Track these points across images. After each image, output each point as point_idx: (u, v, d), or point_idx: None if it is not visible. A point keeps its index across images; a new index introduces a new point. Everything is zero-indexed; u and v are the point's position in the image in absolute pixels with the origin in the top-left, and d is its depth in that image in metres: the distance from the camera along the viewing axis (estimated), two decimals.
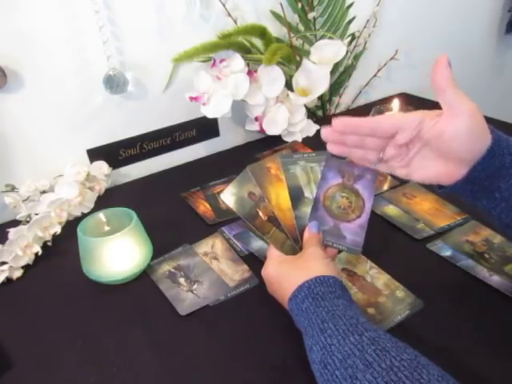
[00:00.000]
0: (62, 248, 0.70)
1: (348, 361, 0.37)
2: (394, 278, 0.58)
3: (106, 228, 0.64)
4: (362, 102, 1.20)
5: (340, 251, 0.56)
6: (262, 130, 0.94)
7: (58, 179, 0.78)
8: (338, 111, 1.16)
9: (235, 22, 0.88)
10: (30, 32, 0.71)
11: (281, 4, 0.90)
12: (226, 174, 0.84)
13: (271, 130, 0.93)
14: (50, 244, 0.70)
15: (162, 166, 0.94)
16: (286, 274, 0.50)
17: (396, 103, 0.89)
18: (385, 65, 1.14)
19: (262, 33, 0.88)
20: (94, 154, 0.85)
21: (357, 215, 0.55)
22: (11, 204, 0.73)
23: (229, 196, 0.58)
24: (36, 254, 0.68)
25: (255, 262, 0.63)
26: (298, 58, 0.94)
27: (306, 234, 0.54)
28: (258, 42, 0.91)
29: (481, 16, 1.37)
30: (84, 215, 0.76)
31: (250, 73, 0.86)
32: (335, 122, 0.48)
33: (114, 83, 0.79)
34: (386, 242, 0.66)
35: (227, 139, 1.01)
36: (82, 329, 0.56)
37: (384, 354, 0.37)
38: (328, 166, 0.57)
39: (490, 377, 0.46)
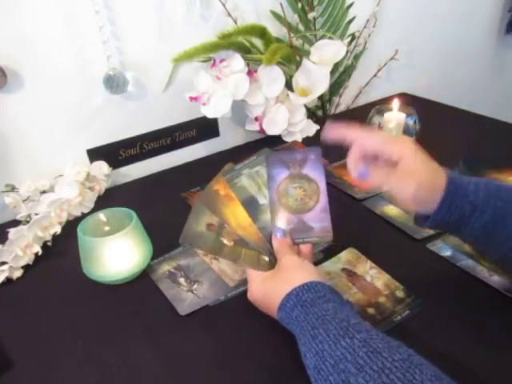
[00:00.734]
0: (62, 248, 0.70)
1: (340, 365, 0.37)
2: (394, 278, 0.58)
3: (106, 228, 0.64)
4: (362, 101, 1.20)
5: (314, 244, 0.55)
6: (261, 130, 0.94)
7: (58, 179, 0.78)
8: (337, 111, 1.16)
9: (235, 22, 0.88)
10: (30, 32, 0.71)
11: (281, 4, 0.90)
12: None
13: (271, 130, 0.93)
14: (49, 244, 0.70)
15: (162, 166, 0.94)
16: (269, 291, 0.49)
17: (396, 103, 0.89)
18: (385, 65, 1.14)
19: (262, 33, 0.88)
20: (94, 154, 0.85)
21: (315, 201, 0.54)
22: (11, 204, 0.73)
23: (187, 238, 0.55)
24: (36, 254, 0.68)
25: None
26: (298, 58, 0.94)
27: (275, 244, 0.53)
28: (258, 42, 0.91)
29: (481, 16, 1.37)
30: (84, 215, 0.76)
31: (250, 73, 0.86)
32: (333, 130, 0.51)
33: (114, 83, 0.79)
34: (386, 242, 0.66)
35: (227, 139, 1.01)
36: (82, 329, 0.56)
37: (375, 356, 0.37)
38: (270, 164, 0.55)
39: (491, 377, 0.46)
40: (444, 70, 1.37)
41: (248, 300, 0.52)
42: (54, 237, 0.70)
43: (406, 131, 0.89)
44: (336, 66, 1.03)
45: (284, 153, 0.55)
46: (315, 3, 0.96)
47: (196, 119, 0.94)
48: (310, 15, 0.95)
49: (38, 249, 0.67)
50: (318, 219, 0.54)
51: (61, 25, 0.73)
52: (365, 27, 1.08)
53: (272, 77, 0.87)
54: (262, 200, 0.56)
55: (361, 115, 0.96)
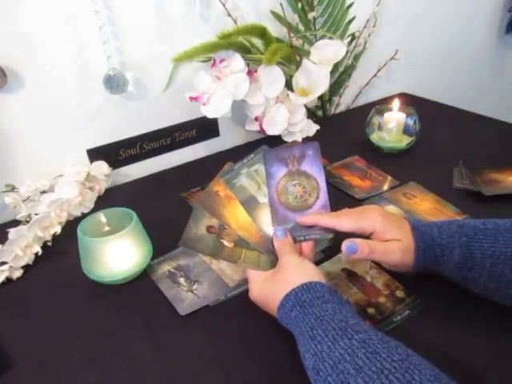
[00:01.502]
0: (62, 248, 0.70)
1: (339, 366, 0.37)
2: (394, 278, 0.58)
3: (106, 228, 0.64)
4: (362, 101, 1.20)
5: (316, 241, 0.55)
6: (262, 130, 0.94)
7: (58, 179, 0.78)
8: (337, 111, 1.16)
9: (235, 22, 0.88)
10: (30, 32, 0.71)
11: (281, 4, 0.90)
12: None
13: (271, 130, 0.93)
14: (50, 244, 0.70)
15: (162, 166, 0.94)
16: (269, 291, 0.50)
17: (396, 103, 0.89)
18: (385, 65, 1.14)
19: (262, 33, 0.88)
20: (94, 154, 0.85)
21: (315, 197, 0.54)
22: (11, 204, 0.73)
23: (188, 241, 0.55)
24: (36, 254, 0.68)
25: None
26: (298, 58, 0.94)
27: (275, 243, 0.54)
28: (258, 42, 0.91)
29: (481, 16, 1.37)
30: (84, 215, 0.76)
31: (250, 73, 0.86)
32: (306, 219, 0.54)
33: (114, 83, 0.79)
34: None
35: (227, 139, 1.01)
36: (82, 329, 0.56)
37: (374, 357, 0.37)
38: (268, 162, 0.55)
39: (491, 377, 0.46)
40: (444, 70, 1.37)
41: (248, 300, 0.53)
42: (54, 237, 0.70)
43: (406, 131, 0.89)
44: (336, 65, 1.03)
45: (281, 149, 0.54)
46: (315, 3, 0.96)
47: (196, 119, 0.94)
48: (310, 15, 0.95)
49: (38, 249, 0.67)
50: None
51: (61, 25, 0.73)
52: (365, 27, 1.08)
53: (272, 77, 0.87)
54: (262, 199, 0.56)
55: (361, 115, 0.96)
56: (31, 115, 0.77)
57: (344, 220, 0.52)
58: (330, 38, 0.93)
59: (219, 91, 0.84)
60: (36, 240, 0.68)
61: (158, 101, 0.89)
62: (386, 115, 0.89)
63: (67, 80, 0.78)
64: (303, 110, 0.95)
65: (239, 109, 0.92)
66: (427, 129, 0.91)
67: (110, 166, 0.85)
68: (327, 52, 0.90)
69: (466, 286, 0.52)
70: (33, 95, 0.75)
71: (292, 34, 0.93)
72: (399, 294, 0.56)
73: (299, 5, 0.94)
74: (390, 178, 0.82)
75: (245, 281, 0.60)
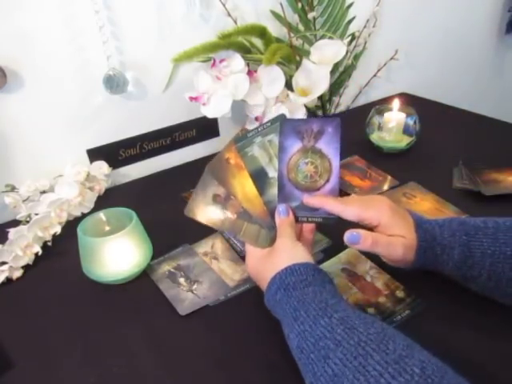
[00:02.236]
0: (62, 248, 0.70)
1: (320, 343, 0.40)
2: (394, 278, 0.58)
3: (106, 228, 0.64)
4: (361, 101, 1.20)
5: (317, 224, 0.54)
6: None
7: (58, 179, 0.78)
8: (337, 111, 1.16)
9: (235, 22, 0.88)
10: (30, 32, 0.71)
11: (281, 4, 0.90)
12: None
13: None
14: (50, 244, 0.70)
15: (162, 166, 0.94)
16: (261, 270, 0.51)
17: (396, 103, 0.89)
18: (385, 65, 1.14)
19: (261, 33, 0.88)
20: (94, 154, 0.85)
21: (325, 180, 0.52)
22: (11, 204, 0.73)
23: (192, 209, 0.55)
24: (36, 254, 0.68)
25: None
26: (297, 58, 0.94)
27: (277, 221, 0.54)
28: (258, 42, 0.91)
29: (481, 16, 1.37)
30: (84, 215, 0.76)
31: (250, 73, 0.86)
32: (312, 200, 0.53)
33: (114, 83, 0.79)
34: None
35: (227, 139, 1.00)
36: (82, 329, 0.56)
37: (352, 332, 0.39)
38: (284, 133, 0.52)
39: (492, 376, 0.46)
40: (444, 70, 1.37)
41: (248, 300, 0.53)
42: (54, 237, 0.70)
43: (406, 131, 0.89)
44: (336, 65, 1.03)
45: (300, 121, 0.52)
46: (315, 3, 0.96)
47: (196, 119, 0.94)
48: (310, 15, 0.95)
49: (38, 249, 0.67)
50: None
51: (61, 25, 0.73)
52: (365, 27, 1.08)
53: (272, 77, 0.87)
54: (272, 172, 0.54)
55: (361, 115, 0.96)
56: (31, 115, 0.77)
57: (350, 208, 0.52)
58: (330, 37, 0.93)
59: (219, 91, 0.84)
60: (36, 240, 0.68)
61: (157, 101, 0.89)
62: (386, 115, 0.89)
63: (67, 80, 0.78)
64: (303, 110, 0.95)
65: (239, 109, 0.92)
66: (427, 129, 0.91)
67: (110, 166, 0.85)
68: (327, 52, 0.90)
69: (465, 285, 0.52)
70: (33, 95, 0.75)
71: (292, 34, 0.93)
72: (399, 293, 0.56)
73: (299, 5, 0.94)
74: (389, 177, 0.82)
75: (245, 281, 0.61)
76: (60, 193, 0.74)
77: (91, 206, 0.79)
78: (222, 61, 0.84)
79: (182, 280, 0.62)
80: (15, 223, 0.69)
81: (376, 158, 0.89)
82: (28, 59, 0.73)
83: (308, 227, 0.55)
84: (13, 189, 0.75)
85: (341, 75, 1.09)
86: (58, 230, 0.70)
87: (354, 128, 1.00)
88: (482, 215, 0.54)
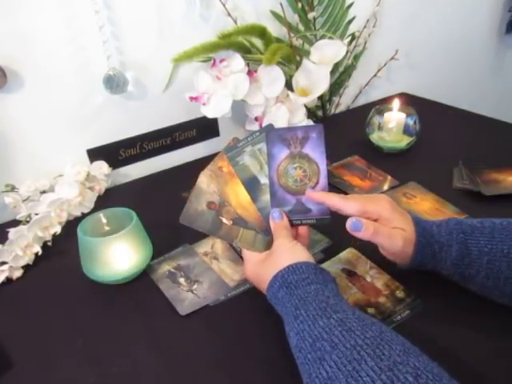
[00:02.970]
0: (62, 248, 0.70)
1: (317, 344, 0.40)
2: (394, 278, 0.58)
3: (106, 228, 0.64)
4: (362, 101, 1.20)
5: (312, 225, 0.55)
6: None
7: (58, 179, 0.78)
8: (337, 111, 1.16)
9: (235, 22, 0.88)
10: (31, 32, 0.71)
11: (281, 4, 0.90)
12: None
13: None
14: (50, 244, 0.70)
15: (162, 166, 0.94)
16: (261, 273, 0.52)
17: (396, 103, 0.89)
18: (385, 65, 1.14)
19: (261, 33, 0.88)
20: (94, 154, 0.85)
21: (314, 182, 0.54)
22: (11, 204, 0.73)
23: (188, 217, 0.55)
24: (36, 254, 0.68)
25: None
26: (298, 58, 0.94)
27: (271, 225, 0.55)
28: (258, 42, 0.91)
29: (481, 16, 1.37)
30: (84, 215, 0.76)
31: (250, 73, 0.86)
32: (314, 195, 0.54)
33: (114, 83, 0.79)
34: None
35: (227, 139, 1.00)
36: (82, 329, 0.56)
37: (349, 334, 0.39)
38: (271, 142, 0.55)
39: (492, 376, 0.46)
40: (444, 70, 1.37)
41: (248, 300, 0.53)
42: (54, 237, 0.70)
43: (406, 131, 0.89)
44: (336, 65, 1.03)
45: (284, 129, 0.54)
46: (315, 3, 0.96)
47: (196, 119, 0.94)
48: (310, 15, 0.95)
49: (38, 249, 0.67)
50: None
51: (61, 25, 0.73)
52: (365, 27, 1.08)
53: (272, 77, 0.87)
54: (264, 179, 0.56)
55: (361, 115, 0.96)
56: (31, 115, 0.77)
57: (351, 203, 0.53)
58: (330, 37, 0.93)
59: (219, 91, 0.84)
60: (36, 240, 0.68)
61: (157, 101, 0.89)
62: (386, 115, 0.89)
63: (67, 80, 0.78)
64: (303, 110, 0.95)
65: (239, 109, 0.92)
66: (427, 129, 0.91)
67: (110, 166, 0.85)
68: (327, 52, 0.90)
69: (464, 285, 0.52)
70: (33, 95, 0.75)
71: (292, 34, 0.93)
72: (399, 294, 0.56)
73: (299, 5, 0.94)
74: (389, 177, 0.82)
75: (245, 281, 0.61)
76: (60, 193, 0.74)
77: (91, 205, 0.79)
78: (222, 61, 0.84)
79: (182, 280, 0.62)
80: (15, 223, 0.69)
81: (376, 157, 0.89)
82: (28, 59, 0.73)
83: (303, 229, 0.56)
84: (13, 189, 0.75)
85: (341, 75, 1.09)
86: (58, 229, 0.70)
87: (354, 128, 1.00)
88: (482, 215, 0.54)
